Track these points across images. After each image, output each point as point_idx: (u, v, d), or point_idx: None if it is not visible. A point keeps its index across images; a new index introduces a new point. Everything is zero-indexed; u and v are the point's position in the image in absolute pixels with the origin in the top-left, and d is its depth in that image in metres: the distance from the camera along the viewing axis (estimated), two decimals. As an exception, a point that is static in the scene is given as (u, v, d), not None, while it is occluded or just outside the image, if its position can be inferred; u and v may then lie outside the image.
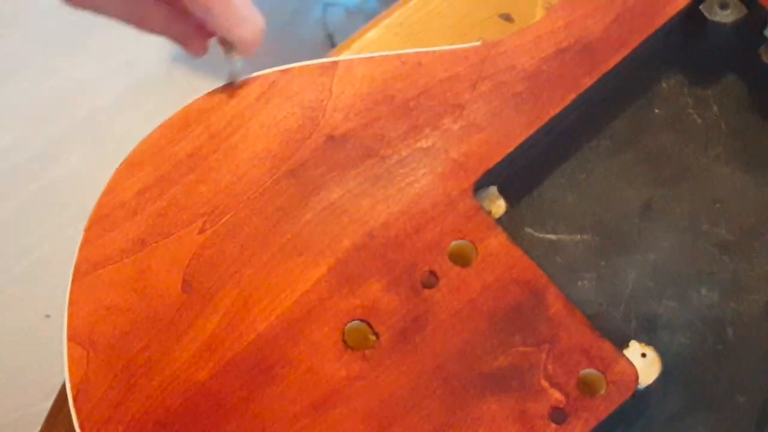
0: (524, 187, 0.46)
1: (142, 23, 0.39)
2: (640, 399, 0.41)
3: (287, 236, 0.43)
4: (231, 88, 0.45)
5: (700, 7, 0.46)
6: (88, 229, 0.43)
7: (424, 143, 0.44)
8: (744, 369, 0.43)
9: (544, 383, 0.40)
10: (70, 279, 0.43)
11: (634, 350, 0.41)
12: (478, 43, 0.46)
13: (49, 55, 1.17)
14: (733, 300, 0.44)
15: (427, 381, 0.40)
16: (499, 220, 0.44)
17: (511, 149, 0.44)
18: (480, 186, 0.44)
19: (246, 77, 0.45)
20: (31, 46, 1.18)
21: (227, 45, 0.43)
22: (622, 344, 0.41)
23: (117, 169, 0.44)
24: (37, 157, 1.13)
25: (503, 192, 0.45)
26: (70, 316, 0.42)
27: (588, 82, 0.45)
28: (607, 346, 0.41)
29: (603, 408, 0.40)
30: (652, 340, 0.43)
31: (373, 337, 0.41)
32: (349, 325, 0.41)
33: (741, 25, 0.46)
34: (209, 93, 0.45)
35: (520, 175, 0.46)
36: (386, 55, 0.46)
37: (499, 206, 0.45)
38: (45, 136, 1.13)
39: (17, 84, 1.17)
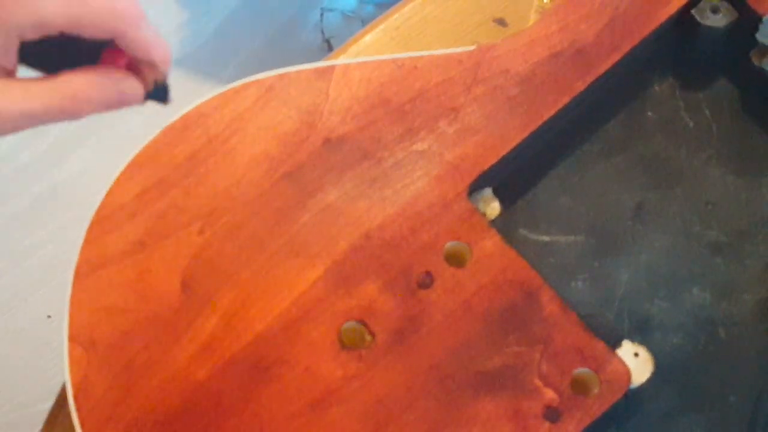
0: (518, 189, 0.47)
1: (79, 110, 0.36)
2: (633, 398, 0.42)
3: (285, 238, 0.43)
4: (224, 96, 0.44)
5: (692, 11, 0.46)
6: (89, 230, 0.44)
7: (419, 146, 0.45)
8: (736, 369, 0.44)
9: (538, 382, 0.41)
10: (71, 280, 0.43)
11: (626, 350, 0.42)
12: (472, 48, 0.46)
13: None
14: (725, 301, 0.45)
15: (422, 380, 0.41)
16: (493, 222, 0.44)
17: (505, 152, 0.44)
18: (475, 188, 0.44)
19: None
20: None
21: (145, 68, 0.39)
22: (615, 344, 0.42)
23: (118, 171, 0.45)
24: (39, 160, 1.13)
25: (498, 194, 0.45)
26: (70, 316, 0.42)
27: (581, 85, 0.45)
28: (600, 346, 0.41)
29: (596, 407, 0.40)
30: (645, 340, 0.43)
31: (369, 337, 0.42)
32: (345, 325, 0.42)
33: (732, 29, 0.46)
34: (208, 97, 0.46)
35: (514, 177, 0.46)
36: (382, 59, 0.46)
37: (493, 208, 0.45)
38: (47, 138, 1.13)
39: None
